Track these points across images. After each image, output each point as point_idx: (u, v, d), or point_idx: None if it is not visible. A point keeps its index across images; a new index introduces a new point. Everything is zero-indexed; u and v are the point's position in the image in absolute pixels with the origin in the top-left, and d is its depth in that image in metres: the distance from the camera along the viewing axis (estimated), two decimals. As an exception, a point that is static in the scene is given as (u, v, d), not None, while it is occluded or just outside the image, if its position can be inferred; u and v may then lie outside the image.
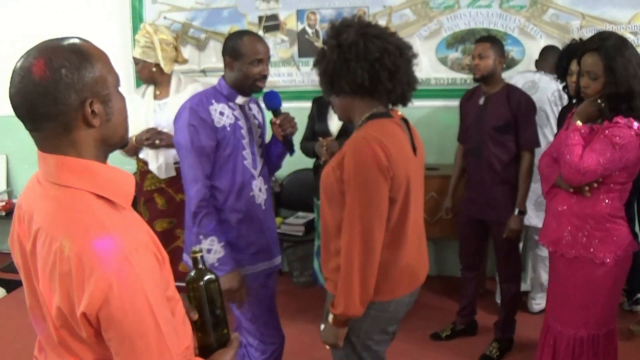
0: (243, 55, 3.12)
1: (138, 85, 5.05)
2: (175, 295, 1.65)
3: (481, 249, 4.56)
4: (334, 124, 4.21)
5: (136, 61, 4.36)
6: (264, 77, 3.20)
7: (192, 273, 1.83)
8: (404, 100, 2.53)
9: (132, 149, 4.30)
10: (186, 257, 3.44)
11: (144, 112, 4.29)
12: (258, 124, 3.34)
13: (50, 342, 1.61)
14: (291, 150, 3.40)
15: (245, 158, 3.21)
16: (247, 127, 3.23)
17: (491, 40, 4.23)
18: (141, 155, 4.37)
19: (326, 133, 4.18)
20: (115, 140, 1.63)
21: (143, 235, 1.58)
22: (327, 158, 3.92)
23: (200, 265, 1.84)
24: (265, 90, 3.28)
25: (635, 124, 2.89)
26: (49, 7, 6.29)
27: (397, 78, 2.40)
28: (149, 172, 4.30)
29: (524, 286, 4.93)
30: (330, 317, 2.48)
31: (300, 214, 5.67)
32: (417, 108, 5.08)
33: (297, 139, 3.57)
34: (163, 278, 1.58)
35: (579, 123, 3.02)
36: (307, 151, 4.35)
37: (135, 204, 5.39)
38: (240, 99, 3.23)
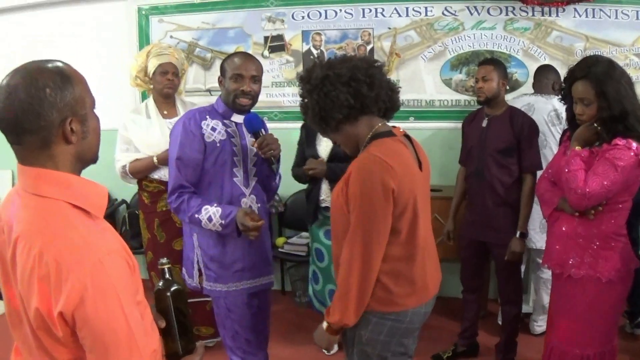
0: (226, 72, 3.23)
1: (144, 98, 5.07)
2: (143, 300, 1.72)
3: (482, 271, 4.56)
4: (323, 148, 4.21)
5: (172, 69, 4.43)
6: (243, 92, 3.23)
7: (160, 283, 1.95)
8: (394, 105, 2.62)
9: (149, 169, 4.36)
10: (183, 271, 3.52)
11: (159, 130, 4.34)
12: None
13: (28, 345, 1.70)
14: (274, 173, 3.41)
15: (236, 175, 3.26)
16: (240, 145, 3.28)
17: (494, 63, 4.25)
18: (156, 176, 4.40)
19: (315, 158, 4.18)
20: (89, 156, 1.75)
21: (115, 242, 1.67)
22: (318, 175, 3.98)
23: (168, 276, 1.96)
24: (265, 115, 3.30)
25: (634, 144, 2.93)
26: (57, 25, 6.35)
27: (376, 85, 2.50)
28: (165, 192, 4.29)
29: (526, 308, 4.93)
30: (325, 325, 2.56)
31: (304, 234, 5.67)
32: (421, 129, 5.16)
33: (289, 165, 3.58)
34: (133, 283, 1.67)
35: (578, 148, 3.04)
36: (298, 177, 4.36)
37: (133, 221, 5.44)
38: (236, 117, 3.28)
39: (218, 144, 3.22)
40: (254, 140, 3.26)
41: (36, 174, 1.63)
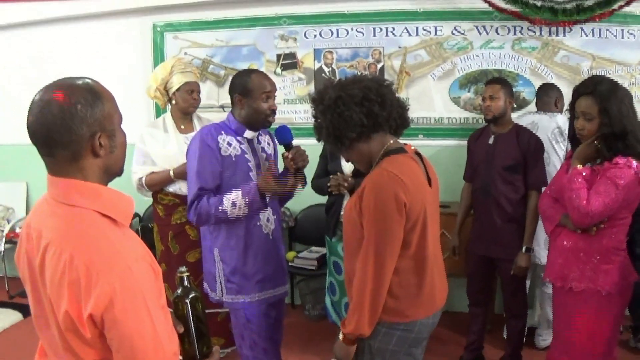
0: (252, 92, 3.28)
1: (158, 114, 5.16)
2: (165, 306, 1.81)
3: (489, 286, 4.61)
4: (347, 163, 4.26)
5: (197, 89, 4.60)
6: (273, 111, 3.35)
7: (179, 291, 2.04)
8: (404, 122, 2.71)
9: (165, 182, 4.45)
10: (205, 286, 3.59)
11: (176, 145, 4.44)
12: (266, 157, 3.47)
13: (54, 347, 1.80)
14: (304, 183, 3.52)
15: None
16: (254, 160, 3.38)
17: (501, 82, 4.33)
18: (171, 189, 4.49)
19: (339, 172, 4.22)
20: (116, 169, 1.86)
21: (141, 249, 1.77)
22: (342, 191, 4.02)
23: (186, 284, 2.05)
24: (275, 125, 3.39)
25: (634, 163, 3.02)
26: (74, 41, 6.48)
27: (387, 104, 2.58)
28: (179, 205, 4.40)
29: (532, 322, 5.00)
30: (341, 336, 2.62)
31: (314, 248, 5.75)
32: (430, 146, 5.23)
33: (308, 177, 3.68)
34: (157, 288, 1.76)
35: (579, 166, 3.12)
36: (319, 189, 4.43)
37: (145, 234, 5.51)
38: (248, 134, 3.38)
39: (234, 159, 3.31)
40: (285, 152, 3.37)
41: (67, 185, 1.73)
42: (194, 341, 2.02)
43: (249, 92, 3.30)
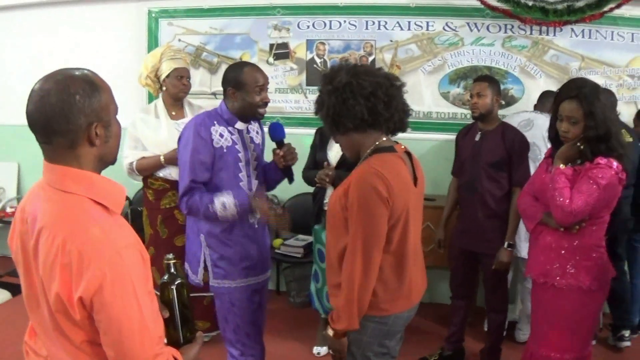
0: (245, 85, 3.33)
1: (150, 101, 5.20)
2: (152, 291, 1.88)
3: (471, 279, 4.67)
4: (334, 153, 4.34)
5: (187, 74, 4.62)
6: (265, 104, 3.41)
7: (165, 277, 2.10)
8: (403, 127, 2.73)
9: (156, 167, 4.51)
10: (186, 267, 3.65)
11: (167, 131, 4.48)
12: (254, 147, 3.53)
13: (44, 327, 1.87)
14: (291, 179, 3.60)
15: (241, 179, 3.42)
16: (243, 151, 3.44)
17: (489, 79, 4.37)
18: (161, 174, 4.54)
19: (325, 162, 4.29)
20: (110, 158, 1.93)
21: (131, 236, 1.83)
22: (325, 186, 4.08)
23: (173, 270, 2.11)
24: (267, 120, 3.45)
25: (615, 164, 3.09)
26: (69, 25, 6.50)
27: (392, 106, 2.60)
28: (169, 190, 4.46)
29: (512, 317, 5.08)
30: (331, 332, 2.68)
31: (300, 236, 5.78)
32: (418, 140, 5.28)
33: (299, 167, 3.74)
34: (145, 273, 1.83)
35: (562, 166, 3.19)
36: (309, 180, 4.45)
37: (135, 217, 5.56)
38: (239, 125, 3.44)
39: (225, 150, 3.37)
40: (277, 148, 3.48)
41: (62, 172, 1.79)
42: (179, 326, 2.08)
43: (242, 85, 3.35)
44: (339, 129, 2.66)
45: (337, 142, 2.83)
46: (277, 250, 5.60)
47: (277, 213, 3.35)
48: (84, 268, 1.67)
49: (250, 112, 3.40)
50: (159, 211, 4.60)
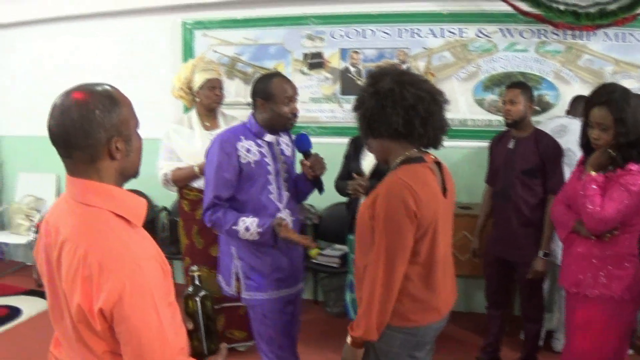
0: (274, 96, 3.35)
1: (186, 112, 5.25)
2: (174, 302, 1.91)
3: (507, 288, 4.63)
4: (367, 163, 4.31)
5: (219, 85, 4.68)
6: (295, 115, 3.43)
7: (190, 289, 2.14)
8: (436, 144, 2.68)
9: (190, 177, 4.56)
10: (220, 278, 3.68)
11: (200, 142, 4.52)
12: (284, 160, 3.54)
13: (68, 338, 1.90)
14: (320, 190, 3.60)
15: (270, 192, 3.44)
16: (273, 164, 3.45)
17: (521, 86, 4.34)
18: (196, 184, 4.60)
19: (358, 172, 4.27)
20: (131, 172, 1.96)
21: (152, 249, 1.86)
22: (358, 196, 4.07)
23: (197, 282, 2.16)
24: (302, 130, 3.46)
25: None
26: (106, 38, 6.62)
27: (429, 124, 2.55)
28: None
29: (551, 326, 5.01)
30: (349, 339, 2.67)
31: (337, 246, 5.81)
32: (454, 148, 5.24)
33: (331, 177, 3.74)
34: (166, 286, 1.86)
35: (593, 173, 3.15)
36: (341, 190, 4.43)
37: (173, 228, 5.61)
38: (268, 137, 3.45)
39: (253, 165, 3.39)
40: (304, 159, 3.50)
41: (83, 185, 1.83)
42: (203, 338, 2.12)
43: (271, 96, 3.37)
44: (372, 133, 2.65)
45: (368, 144, 2.81)
46: (313, 260, 5.60)
47: (303, 242, 3.36)
48: (104, 280, 1.70)
49: (280, 123, 3.42)
50: (195, 221, 4.64)
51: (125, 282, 1.70)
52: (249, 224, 3.29)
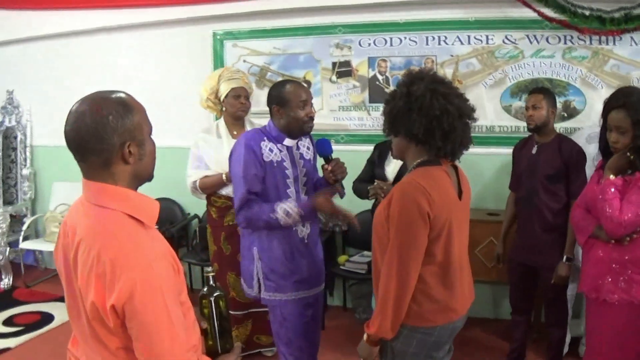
0: (289, 101, 3.43)
1: (216, 118, 5.32)
2: (187, 301, 2.00)
3: (530, 294, 4.60)
4: (391, 169, 4.37)
5: (244, 93, 4.75)
6: (311, 118, 3.49)
7: (204, 290, 2.21)
8: (453, 157, 2.70)
9: (218, 185, 4.64)
10: (242, 281, 3.75)
11: (228, 150, 4.54)
12: (304, 164, 3.60)
13: (84, 335, 1.97)
14: (342, 194, 3.65)
15: (289, 196, 3.50)
16: (292, 168, 3.51)
17: (544, 91, 4.36)
18: (224, 192, 4.68)
19: (382, 178, 4.34)
20: (145, 175, 2.03)
21: (163, 248, 1.93)
22: (379, 199, 4.09)
23: (212, 283, 2.22)
24: (331, 138, 3.50)
25: None
26: (137, 49, 6.74)
27: (450, 138, 2.58)
28: (232, 207, 4.53)
29: (577, 332, 4.97)
30: (365, 336, 2.74)
31: (366, 252, 5.83)
32: (481, 155, 5.25)
33: (350, 179, 3.78)
34: (177, 284, 1.92)
35: (612, 177, 3.15)
36: (359, 192, 4.49)
37: (203, 234, 5.68)
38: (288, 141, 3.52)
39: (275, 164, 3.46)
40: (325, 164, 3.56)
41: (98, 188, 1.91)
42: (217, 337, 2.19)
43: (286, 101, 3.44)
44: (393, 130, 2.71)
45: (388, 138, 2.84)
46: (342, 267, 5.67)
47: (348, 215, 3.46)
48: (117, 277, 1.76)
49: (297, 127, 3.48)
50: (222, 228, 4.73)
51: (137, 280, 1.77)
52: (287, 208, 3.35)
